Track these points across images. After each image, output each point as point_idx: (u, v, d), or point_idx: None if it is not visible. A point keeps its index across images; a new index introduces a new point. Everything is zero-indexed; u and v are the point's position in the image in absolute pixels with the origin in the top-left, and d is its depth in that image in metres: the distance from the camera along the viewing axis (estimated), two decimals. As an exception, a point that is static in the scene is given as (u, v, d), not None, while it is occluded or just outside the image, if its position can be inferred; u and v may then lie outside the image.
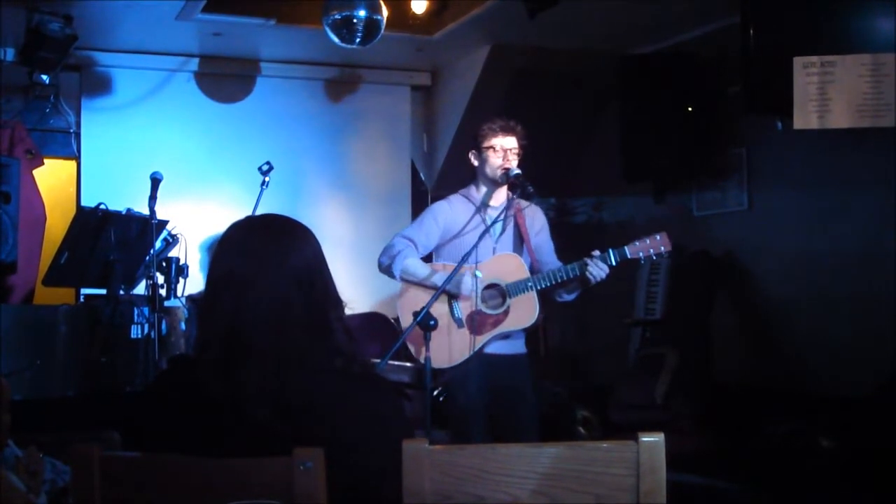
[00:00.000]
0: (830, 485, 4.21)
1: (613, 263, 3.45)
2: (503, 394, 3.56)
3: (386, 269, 3.61)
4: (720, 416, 5.36)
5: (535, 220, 3.71)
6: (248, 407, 1.54)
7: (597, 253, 3.43)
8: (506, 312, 3.52)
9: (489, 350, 3.54)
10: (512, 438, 3.42)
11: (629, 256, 3.47)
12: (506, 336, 3.55)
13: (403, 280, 3.58)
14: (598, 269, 3.41)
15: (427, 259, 3.68)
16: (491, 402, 3.55)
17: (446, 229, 3.63)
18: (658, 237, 3.50)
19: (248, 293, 1.61)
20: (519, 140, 3.59)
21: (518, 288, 3.50)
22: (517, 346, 3.64)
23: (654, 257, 3.51)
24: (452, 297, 3.51)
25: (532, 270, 3.58)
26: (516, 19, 4.89)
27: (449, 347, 3.46)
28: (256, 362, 1.57)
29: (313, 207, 6.23)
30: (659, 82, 5.81)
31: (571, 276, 3.46)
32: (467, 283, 3.46)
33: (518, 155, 3.59)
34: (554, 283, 3.49)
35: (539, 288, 3.50)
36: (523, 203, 3.65)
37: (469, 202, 3.67)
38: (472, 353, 3.47)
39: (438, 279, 3.46)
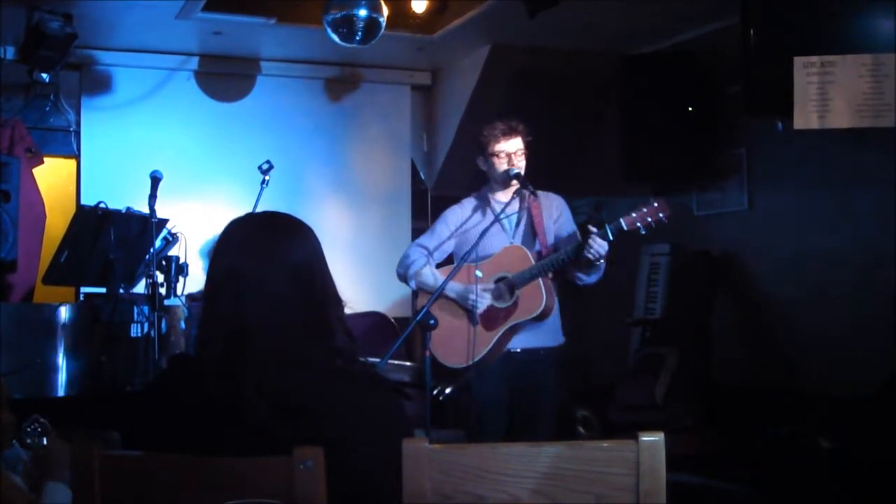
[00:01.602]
0: (830, 485, 4.20)
1: (611, 238, 3.36)
2: (524, 389, 3.59)
3: (402, 278, 3.75)
4: (720, 416, 5.36)
5: (553, 207, 3.69)
6: (247, 406, 1.53)
7: (594, 230, 3.36)
8: (515, 304, 3.53)
9: (514, 345, 3.56)
10: (529, 433, 3.47)
11: (626, 228, 3.38)
12: (534, 327, 3.55)
13: (419, 288, 3.67)
14: (597, 247, 3.34)
15: (448, 261, 3.76)
16: (512, 398, 3.59)
17: (460, 231, 3.70)
18: (655, 204, 3.38)
19: (247, 291, 1.61)
20: (523, 138, 3.60)
21: (523, 277, 3.51)
22: (545, 339, 3.62)
23: (654, 225, 3.37)
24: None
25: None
26: (516, 19, 4.88)
27: (466, 345, 3.50)
28: (256, 361, 1.57)
29: (313, 206, 6.22)
30: (659, 82, 5.80)
31: (571, 257, 3.43)
32: (471, 299, 3.51)
33: (524, 154, 3.60)
34: (555, 266, 3.48)
35: (542, 274, 3.49)
36: (540, 193, 3.65)
37: (480, 202, 3.74)
38: (489, 348, 3.51)
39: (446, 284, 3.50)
